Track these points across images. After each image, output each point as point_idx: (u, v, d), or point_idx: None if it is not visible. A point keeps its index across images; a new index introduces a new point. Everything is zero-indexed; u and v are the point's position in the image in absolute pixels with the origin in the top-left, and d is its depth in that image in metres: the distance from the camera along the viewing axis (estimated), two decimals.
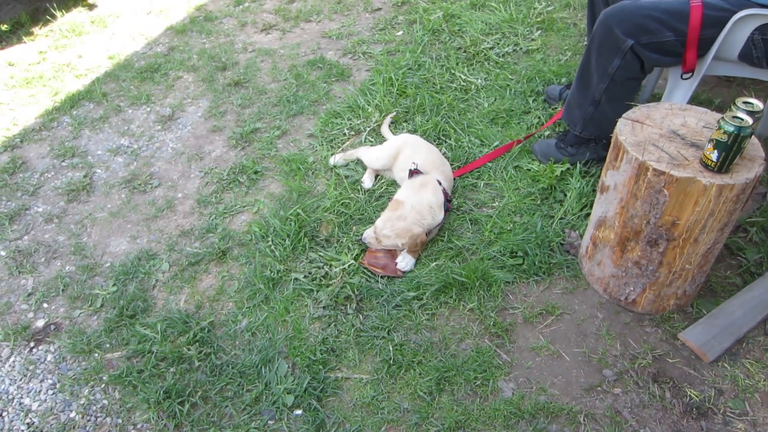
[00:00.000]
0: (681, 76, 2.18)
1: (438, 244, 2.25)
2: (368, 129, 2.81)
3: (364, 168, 2.58)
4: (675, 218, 1.73)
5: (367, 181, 2.52)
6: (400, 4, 3.81)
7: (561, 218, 2.29)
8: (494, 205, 2.40)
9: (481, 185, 2.50)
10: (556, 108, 2.84)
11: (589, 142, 2.45)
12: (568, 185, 2.38)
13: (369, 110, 2.88)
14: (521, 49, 3.30)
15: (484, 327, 1.96)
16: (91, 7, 3.93)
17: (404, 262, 2.15)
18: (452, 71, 3.13)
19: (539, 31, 3.42)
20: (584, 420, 1.70)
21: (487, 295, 2.05)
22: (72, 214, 2.57)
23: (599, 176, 2.34)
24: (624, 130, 1.82)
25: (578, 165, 2.43)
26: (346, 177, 2.57)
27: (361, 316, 2.02)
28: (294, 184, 2.51)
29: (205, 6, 4.00)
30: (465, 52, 3.29)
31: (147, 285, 2.22)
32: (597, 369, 1.83)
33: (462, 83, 3.05)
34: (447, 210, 2.28)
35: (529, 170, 2.51)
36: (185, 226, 2.45)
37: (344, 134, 2.81)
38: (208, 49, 3.52)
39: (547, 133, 2.71)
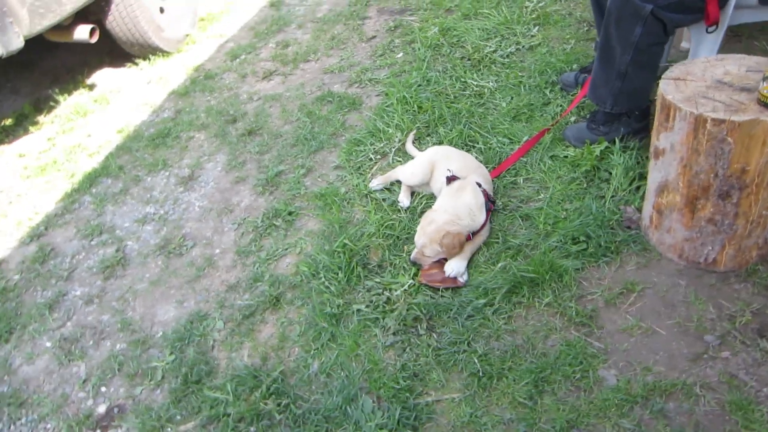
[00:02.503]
0: (706, 30, 2.14)
1: (494, 247, 2.17)
2: (393, 149, 2.76)
3: (400, 187, 2.52)
4: (744, 165, 1.66)
5: (405, 199, 2.46)
6: (393, 28, 3.83)
7: (613, 196, 2.22)
8: (540, 197, 2.33)
9: (521, 181, 2.44)
10: (575, 93, 2.80)
11: (620, 116, 2.39)
12: (610, 163, 2.32)
13: (390, 131, 2.84)
14: (523, 46, 3.29)
15: (567, 319, 1.86)
16: (91, 87, 3.95)
17: (450, 268, 2.07)
18: (462, 80, 3.10)
19: (537, 27, 3.42)
20: (701, 391, 1.59)
21: (561, 286, 1.95)
22: (111, 291, 2.50)
23: (640, 148, 2.28)
24: (668, 89, 1.77)
25: (616, 141, 2.36)
26: (383, 200, 2.50)
27: (434, 335, 1.93)
28: (333, 217, 2.45)
29: (203, 66, 4.02)
30: (469, 60, 3.28)
31: (205, 347, 2.13)
32: (697, 337, 1.73)
33: (475, 89, 3.02)
34: (489, 210, 2.20)
35: (566, 157, 2.45)
36: (230, 281, 2.37)
37: (370, 159, 2.76)
38: (215, 106, 3.51)
39: (573, 118, 2.66)
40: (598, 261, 2.01)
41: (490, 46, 3.33)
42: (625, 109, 2.35)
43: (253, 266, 2.40)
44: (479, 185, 2.24)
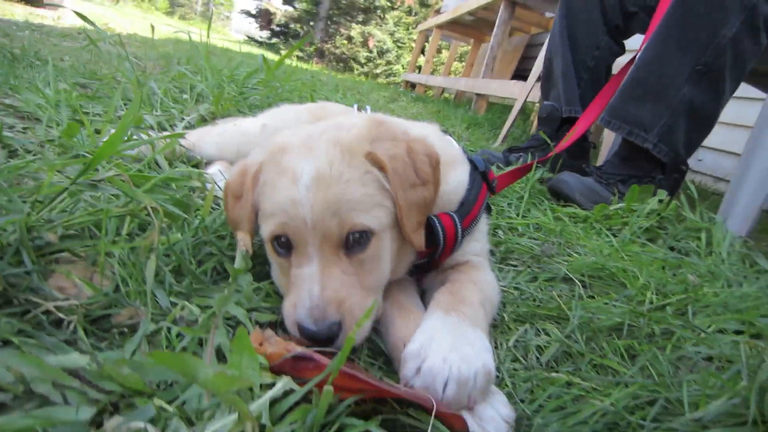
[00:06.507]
0: None
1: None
2: (185, 121, 1.11)
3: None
4: None
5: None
6: None
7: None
8: (584, 254, 0.94)
9: (520, 229, 1.02)
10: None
11: (654, 170, 1.27)
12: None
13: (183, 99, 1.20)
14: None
15: None
16: None
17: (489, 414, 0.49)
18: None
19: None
20: None
21: None
22: None
23: None
24: None
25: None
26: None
27: None
28: None
29: None
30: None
31: None
32: None
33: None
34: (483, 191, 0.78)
35: (576, 216, 1.16)
36: None
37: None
38: None
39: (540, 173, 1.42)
40: None
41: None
42: (672, 152, 1.24)
43: None
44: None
